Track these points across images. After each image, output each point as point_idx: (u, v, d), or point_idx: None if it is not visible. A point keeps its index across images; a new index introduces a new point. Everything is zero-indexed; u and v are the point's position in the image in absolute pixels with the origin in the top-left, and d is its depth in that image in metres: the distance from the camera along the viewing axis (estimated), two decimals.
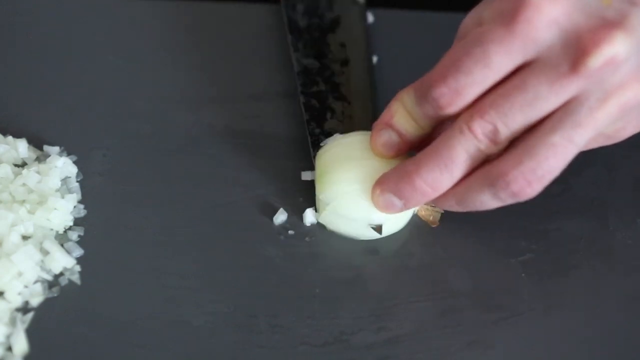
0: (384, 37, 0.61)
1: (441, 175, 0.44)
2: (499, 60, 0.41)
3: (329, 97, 0.55)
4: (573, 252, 0.49)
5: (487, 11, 0.43)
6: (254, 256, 0.48)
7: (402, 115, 0.46)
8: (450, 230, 0.48)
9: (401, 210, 0.47)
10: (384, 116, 0.47)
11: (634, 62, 0.41)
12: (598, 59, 0.40)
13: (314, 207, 0.50)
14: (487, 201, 0.44)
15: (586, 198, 0.51)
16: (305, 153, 0.52)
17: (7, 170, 0.49)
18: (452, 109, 0.43)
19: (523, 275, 0.48)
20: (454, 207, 0.46)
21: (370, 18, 0.61)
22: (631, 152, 0.53)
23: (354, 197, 0.47)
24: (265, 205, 0.50)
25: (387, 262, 0.48)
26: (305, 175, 0.51)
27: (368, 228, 0.48)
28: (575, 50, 0.40)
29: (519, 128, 0.42)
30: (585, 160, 0.49)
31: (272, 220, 0.50)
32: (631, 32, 0.40)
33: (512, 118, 0.42)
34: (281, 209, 0.50)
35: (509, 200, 0.44)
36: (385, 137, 0.47)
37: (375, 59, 0.59)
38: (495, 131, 0.42)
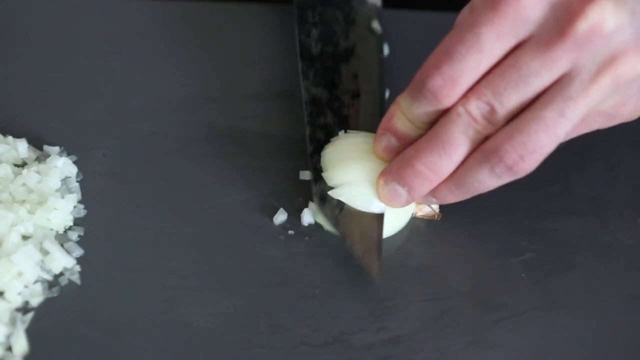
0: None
1: (440, 159, 0.44)
2: (492, 43, 0.42)
3: (336, 130, 0.52)
4: (573, 252, 0.49)
5: None
6: (254, 256, 0.48)
7: (399, 118, 0.46)
8: (450, 230, 0.48)
9: (407, 201, 0.46)
10: (384, 121, 0.47)
11: (629, 33, 0.41)
12: (584, 25, 0.40)
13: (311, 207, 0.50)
14: (485, 179, 0.44)
15: (586, 197, 0.51)
16: (306, 153, 0.52)
17: (7, 170, 0.49)
18: (450, 99, 0.43)
19: (523, 275, 0.48)
20: (453, 192, 0.46)
21: (387, 50, 0.59)
22: (631, 151, 0.53)
23: (350, 200, 0.48)
24: (265, 205, 0.50)
25: (387, 262, 0.48)
26: (304, 175, 0.51)
27: None
28: (563, 20, 0.40)
29: (514, 106, 0.42)
30: (585, 159, 0.49)
31: (272, 220, 0.50)
32: (619, 1, 0.40)
33: (507, 96, 0.42)
34: (281, 209, 0.50)
35: (506, 176, 0.43)
36: (385, 141, 0.47)
37: (386, 50, 0.58)
38: (492, 111, 0.42)
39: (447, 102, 0.43)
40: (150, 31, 0.61)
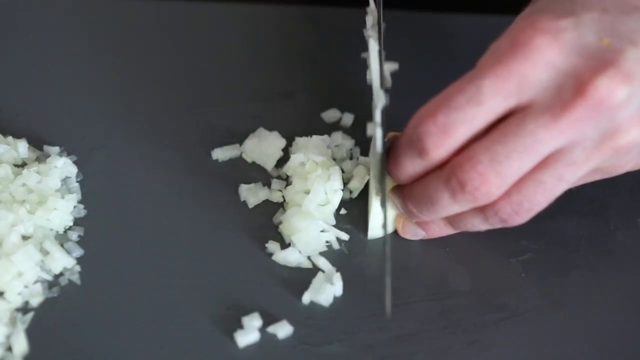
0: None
1: (432, 218, 0.46)
2: (492, 98, 0.40)
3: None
4: (573, 252, 0.49)
5: (486, 53, 0.41)
6: (254, 256, 0.48)
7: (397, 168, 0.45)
8: None
9: (422, 237, 0.49)
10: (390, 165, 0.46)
11: (635, 104, 0.40)
12: (594, 96, 0.39)
13: None
14: (478, 224, 0.45)
15: (586, 198, 0.51)
16: None
17: (7, 170, 0.49)
18: (438, 152, 0.42)
19: (523, 275, 0.48)
20: (443, 228, 0.47)
21: None
22: None
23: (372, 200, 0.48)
24: (265, 205, 0.50)
25: None
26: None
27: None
28: (571, 88, 0.39)
29: (514, 175, 0.41)
30: None
31: (272, 220, 0.50)
32: (629, 74, 0.39)
33: (507, 165, 0.41)
34: (281, 209, 0.50)
35: (498, 225, 0.44)
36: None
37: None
38: (486, 182, 0.41)
39: (435, 154, 0.42)
40: (150, 31, 0.61)
